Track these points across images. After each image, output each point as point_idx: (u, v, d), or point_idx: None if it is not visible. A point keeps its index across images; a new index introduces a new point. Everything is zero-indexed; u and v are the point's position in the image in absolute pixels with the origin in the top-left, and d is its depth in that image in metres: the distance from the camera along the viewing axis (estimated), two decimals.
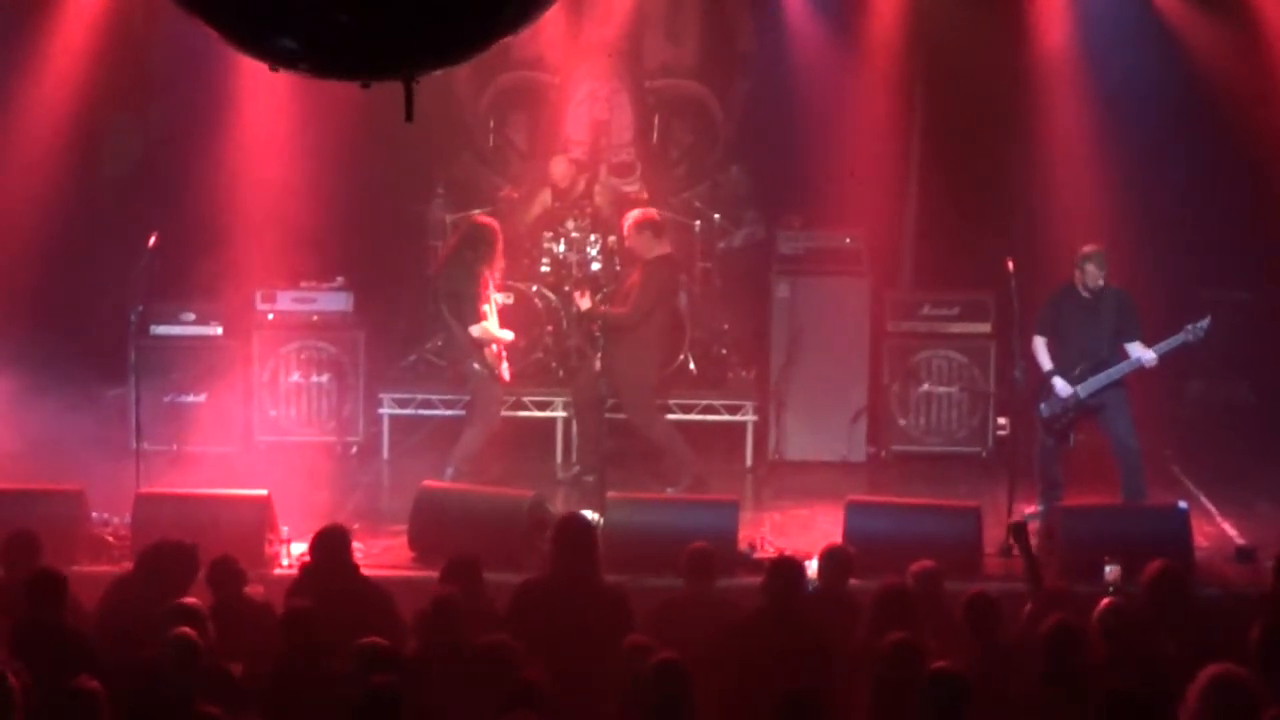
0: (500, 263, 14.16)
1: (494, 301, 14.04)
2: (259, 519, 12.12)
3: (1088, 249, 13.20)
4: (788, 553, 11.31)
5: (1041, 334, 13.31)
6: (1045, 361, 13.24)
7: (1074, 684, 8.46)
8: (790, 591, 9.76)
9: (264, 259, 15.49)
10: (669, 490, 14.00)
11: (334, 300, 15.64)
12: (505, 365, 14.00)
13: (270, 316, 15.61)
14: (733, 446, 15.42)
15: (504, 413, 14.91)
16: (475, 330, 13.70)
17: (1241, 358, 16.01)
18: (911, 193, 16.63)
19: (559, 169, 16.13)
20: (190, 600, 9.23)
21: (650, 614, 9.99)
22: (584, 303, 14.13)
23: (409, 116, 5.63)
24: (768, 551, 12.18)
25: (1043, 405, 13.20)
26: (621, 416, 14.39)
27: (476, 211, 15.59)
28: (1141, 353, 12.97)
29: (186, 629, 8.65)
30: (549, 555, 10.43)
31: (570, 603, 9.94)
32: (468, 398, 14.52)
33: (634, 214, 14.35)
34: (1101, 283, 13.09)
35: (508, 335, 14.00)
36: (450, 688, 8.64)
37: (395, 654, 8.55)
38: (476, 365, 13.82)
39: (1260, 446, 15.04)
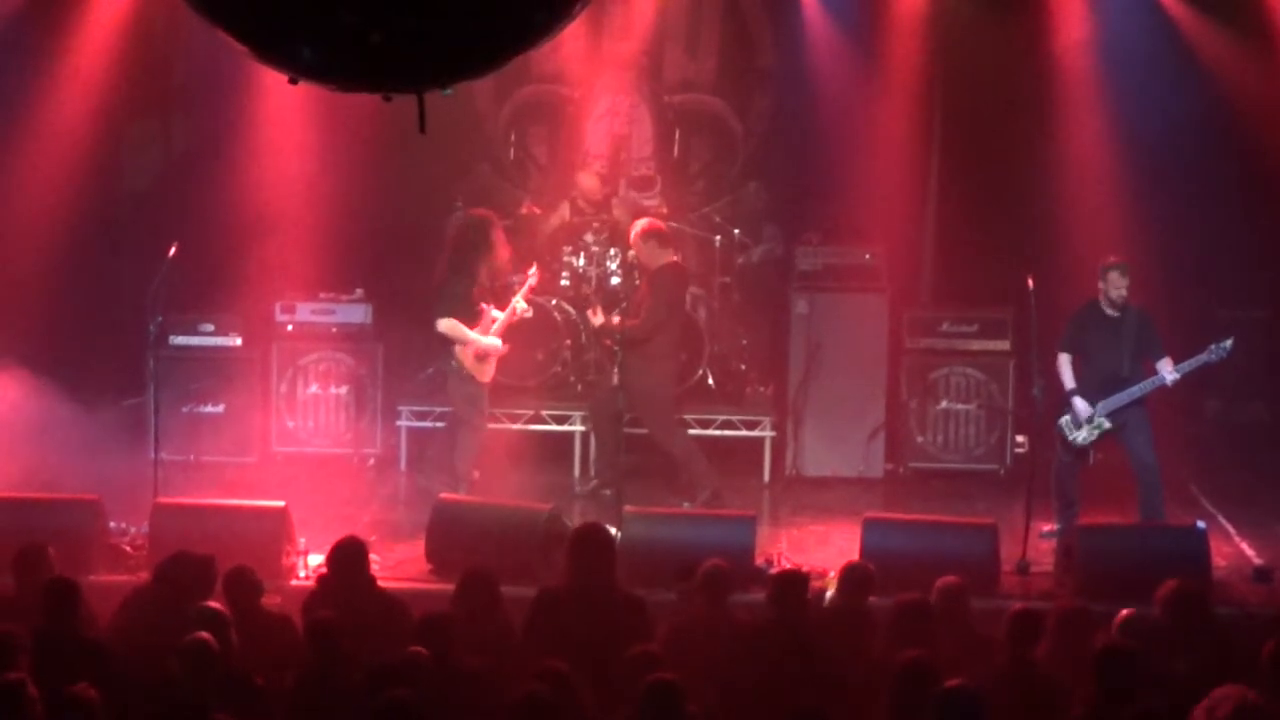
0: (500, 255, 14.02)
1: (517, 309, 14.02)
2: (276, 530, 12.12)
3: (1110, 260, 13.22)
4: (793, 568, 11.35)
5: (1065, 351, 13.29)
6: (1068, 380, 13.22)
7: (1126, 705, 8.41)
8: (796, 606, 9.77)
9: (283, 271, 15.53)
10: (685, 505, 14.00)
11: (353, 312, 15.66)
12: (487, 368, 13.92)
13: (289, 328, 15.63)
14: (750, 462, 15.41)
15: (522, 426, 15.06)
16: (441, 325, 13.71)
17: (1260, 377, 15.98)
18: (931, 209, 16.63)
19: (588, 182, 16.11)
20: (214, 604, 9.25)
21: (664, 630, 9.98)
22: (596, 319, 14.16)
23: (422, 128, 5.66)
24: (785, 567, 12.16)
25: (1062, 423, 13.18)
26: (640, 431, 14.40)
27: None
28: (1165, 371, 12.96)
29: (205, 634, 8.68)
30: (566, 564, 10.43)
31: (588, 611, 9.94)
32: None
33: (639, 224, 14.35)
34: (1125, 293, 13.08)
35: (489, 342, 13.82)
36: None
37: (410, 667, 8.54)
38: (453, 362, 13.86)
39: (1278, 466, 15.00)
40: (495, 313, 13.85)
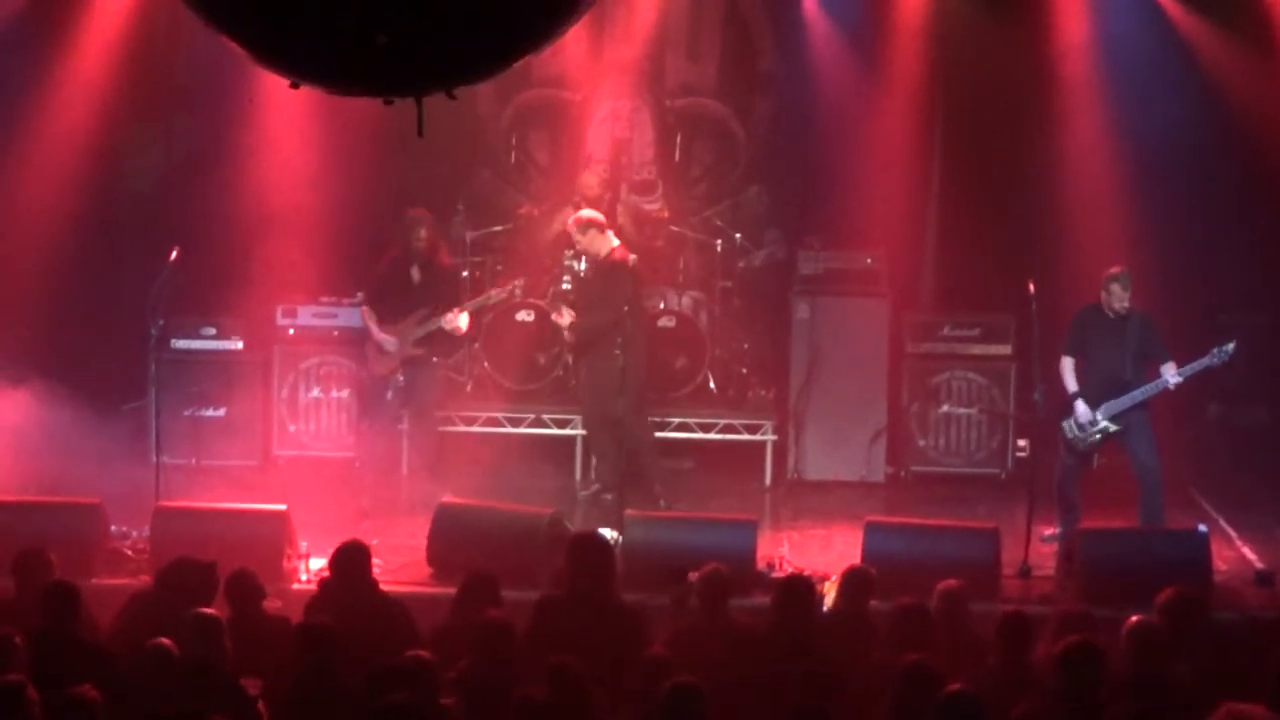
0: (425, 254, 14.18)
1: (444, 321, 14.01)
2: (277, 534, 12.12)
3: (1113, 270, 13.20)
4: (795, 572, 11.35)
5: (1069, 355, 13.28)
6: (1071, 383, 13.20)
7: (1090, 704, 8.42)
8: (802, 611, 9.77)
9: (285, 274, 15.52)
10: (663, 505, 13.97)
11: (354, 316, 15.59)
12: (383, 360, 14.13)
13: (291, 331, 15.63)
14: (752, 466, 15.42)
15: (524, 430, 15.09)
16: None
17: (1262, 381, 15.95)
18: (932, 213, 16.62)
19: (589, 180, 16.11)
20: (209, 610, 9.23)
21: (665, 635, 9.98)
22: (564, 320, 14.21)
23: (420, 132, 5.67)
24: (786, 571, 12.16)
25: (1065, 426, 13.17)
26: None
27: None
28: (1169, 374, 12.95)
29: (166, 640, 8.68)
30: (564, 573, 10.43)
31: (587, 619, 9.93)
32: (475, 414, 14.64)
33: (574, 216, 14.43)
34: (1126, 304, 13.07)
35: (380, 337, 14.15)
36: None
37: (410, 670, 8.53)
38: None
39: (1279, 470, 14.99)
40: (443, 320, 13.98)
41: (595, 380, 14.25)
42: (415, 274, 14.15)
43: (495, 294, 14.54)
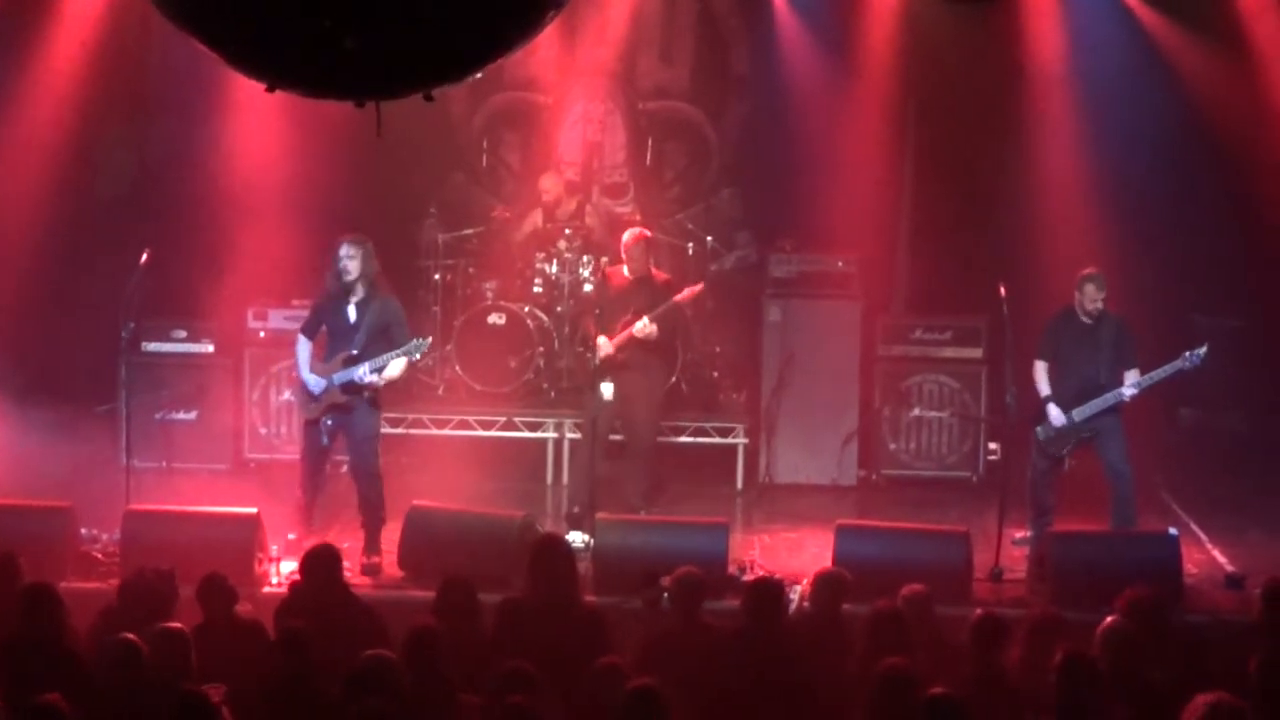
0: (348, 285, 12.74)
1: (369, 375, 12.69)
2: (248, 537, 12.10)
3: (1087, 270, 13.21)
4: (765, 575, 11.34)
5: (1042, 359, 13.28)
6: (1044, 387, 13.21)
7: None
8: (770, 613, 9.77)
9: (256, 277, 15.48)
10: (641, 511, 13.87)
11: None
12: (300, 400, 13.10)
13: (262, 334, 15.58)
14: (723, 469, 15.42)
15: (496, 433, 15.04)
16: None
17: (1234, 385, 15.98)
18: (904, 217, 16.64)
19: (546, 183, 16.12)
20: (175, 625, 9.14)
21: (639, 639, 9.98)
22: (650, 329, 13.62)
23: (379, 132, 5.68)
24: (757, 574, 12.15)
25: (1039, 429, 13.18)
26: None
27: None
28: (1126, 385, 12.96)
29: (130, 636, 8.65)
30: (528, 576, 10.40)
31: (551, 623, 9.92)
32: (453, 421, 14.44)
33: (634, 232, 13.99)
34: (1100, 305, 13.08)
35: (303, 376, 12.92)
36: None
37: (387, 675, 8.50)
38: None
39: (1252, 474, 15.03)
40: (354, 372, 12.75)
41: (651, 389, 14.02)
42: (351, 310, 12.85)
43: (417, 344, 12.71)
